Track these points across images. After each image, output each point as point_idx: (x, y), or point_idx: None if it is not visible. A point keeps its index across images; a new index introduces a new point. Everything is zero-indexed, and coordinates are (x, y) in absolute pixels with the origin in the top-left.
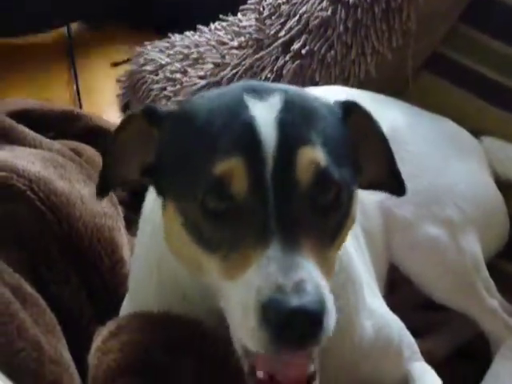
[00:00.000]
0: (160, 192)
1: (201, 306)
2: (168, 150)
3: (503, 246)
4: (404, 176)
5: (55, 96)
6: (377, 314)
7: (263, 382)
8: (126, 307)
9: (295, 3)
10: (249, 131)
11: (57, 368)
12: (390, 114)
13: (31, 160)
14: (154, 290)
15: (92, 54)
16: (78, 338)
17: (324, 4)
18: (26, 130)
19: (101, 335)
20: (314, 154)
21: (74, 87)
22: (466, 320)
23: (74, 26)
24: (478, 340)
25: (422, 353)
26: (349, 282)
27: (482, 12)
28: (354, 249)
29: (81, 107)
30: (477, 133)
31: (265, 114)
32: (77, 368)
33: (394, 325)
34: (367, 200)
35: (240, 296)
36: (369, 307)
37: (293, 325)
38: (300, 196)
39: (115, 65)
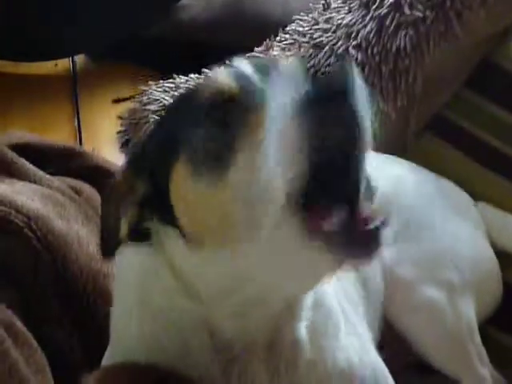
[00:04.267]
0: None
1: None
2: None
3: (493, 313)
4: (404, 238)
5: (56, 129)
6: (352, 351)
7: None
8: (109, 356)
9: (303, 57)
10: None
11: None
12: (396, 169)
13: (31, 196)
14: (138, 337)
15: (94, 88)
16: (66, 380)
17: (332, 60)
18: (27, 164)
19: None
20: None
21: (75, 122)
22: None
23: (79, 58)
24: None
25: None
26: (322, 314)
27: (486, 79)
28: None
29: (81, 142)
30: (472, 196)
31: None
32: None
33: (373, 367)
34: None
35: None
36: (342, 343)
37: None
38: None
39: (117, 102)
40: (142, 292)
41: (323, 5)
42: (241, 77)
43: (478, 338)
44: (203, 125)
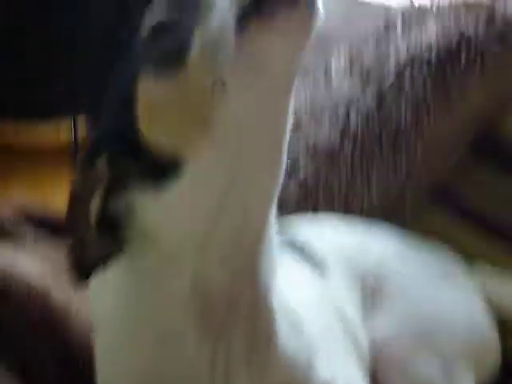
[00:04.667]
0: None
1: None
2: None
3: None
4: (397, 310)
5: (57, 196)
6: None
7: None
8: None
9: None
10: None
11: None
12: (379, 247)
13: (30, 263)
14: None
15: None
16: None
17: (332, 131)
18: (28, 230)
19: None
20: None
21: None
22: None
23: (80, 126)
24: None
25: None
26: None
27: (487, 148)
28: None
29: None
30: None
31: None
32: None
33: None
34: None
35: None
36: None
37: None
38: None
39: None
40: (127, 313)
41: (324, 76)
42: None
43: None
44: (150, 38)
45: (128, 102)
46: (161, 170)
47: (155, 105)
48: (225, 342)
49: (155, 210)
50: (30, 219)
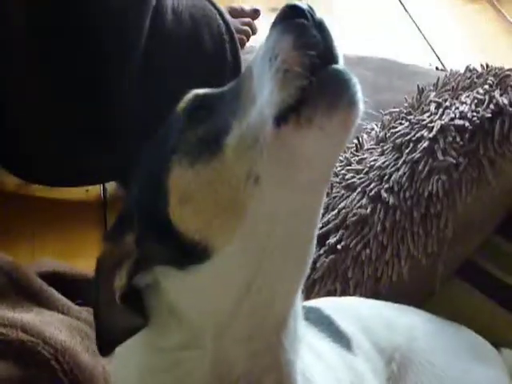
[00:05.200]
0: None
1: None
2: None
3: None
4: None
5: (86, 255)
6: None
7: None
8: None
9: (335, 197)
10: None
11: None
12: (409, 320)
13: (58, 327)
14: None
15: None
16: None
17: (364, 201)
18: (56, 294)
19: None
20: None
21: None
22: None
23: (109, 185)
24: None
25: None
26: None
27: None
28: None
29: None
30: (500, 346)
31: None
32: None
33: None
34: None
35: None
36: None
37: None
38: None
39: None
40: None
41: (356, 145)
42: None
43: None
44: (185, 125)
45: (159, 187)
46: (189, 254)
47: (187, 193)
48: None
49: (180, 289)
50: (57, 280)
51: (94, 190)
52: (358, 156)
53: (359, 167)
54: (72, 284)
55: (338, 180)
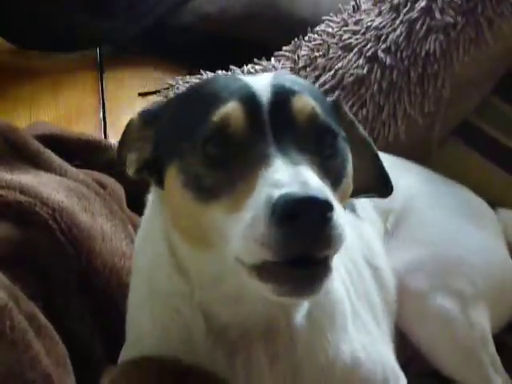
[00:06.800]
0: (159, 181)
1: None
2: (168, 122)
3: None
4: (419, 244)
5: (81, 121)
6: (359, 346)
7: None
8: (125, 351)
9: (331, 58)
10: (245, 86)
11: None
12: (407, 181)
13: (56, 188)
14: (151, 327)
15: (121, 81)
16: (86, 375)
17: (361, 62)
18: (53, 156)
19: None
20: (308, 100)
21: (101, 114)
22: None
23: (106, 51)
24: None
25: None
26: (328, 300)
27: None
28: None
29: (106, 135)
30: (497, 205)
31: (260, 80)
32: None
33: (382, 366)
34: (382, 264)
35: (250, 212)
36: (350, 336)
37: (303, 213)
38: (297, 131)
39: (143, 95)
40: (152, 279)
41: (353, 6)
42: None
43: (491, 347)
44: (199, 150)
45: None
46: None
47: (176, 204)
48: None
49: None
50: (54, 143)
51: (90, 57)
52: (354, 17)
53: (356, 28)
54: (69, 147)
55: (334, 41)
